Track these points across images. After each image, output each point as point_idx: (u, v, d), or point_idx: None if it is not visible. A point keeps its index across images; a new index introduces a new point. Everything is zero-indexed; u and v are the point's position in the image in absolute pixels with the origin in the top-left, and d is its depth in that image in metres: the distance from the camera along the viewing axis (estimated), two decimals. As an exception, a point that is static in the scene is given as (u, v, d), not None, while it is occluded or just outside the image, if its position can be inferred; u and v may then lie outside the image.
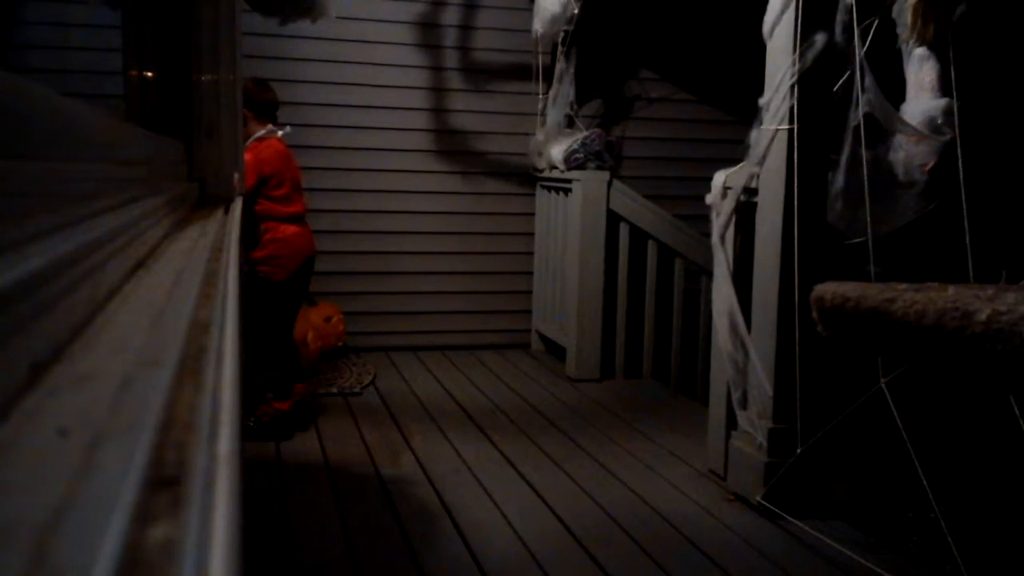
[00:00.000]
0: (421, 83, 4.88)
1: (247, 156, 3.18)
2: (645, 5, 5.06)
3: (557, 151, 4.48)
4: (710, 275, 3.17)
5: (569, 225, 4.45)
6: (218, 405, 0.46)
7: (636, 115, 5.27)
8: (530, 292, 5.12)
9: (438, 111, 4.94)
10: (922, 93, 2.57)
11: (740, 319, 2.82)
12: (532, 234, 5.07)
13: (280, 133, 3.37)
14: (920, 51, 2.54)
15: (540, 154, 4.72)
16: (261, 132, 3.31)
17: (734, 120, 4.84)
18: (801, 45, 2.62)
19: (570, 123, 4.73)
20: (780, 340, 2.68)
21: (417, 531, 2.53)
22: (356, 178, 4.82)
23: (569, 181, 4.43)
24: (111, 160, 0.92)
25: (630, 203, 4.41)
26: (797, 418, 2.65)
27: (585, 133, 4.47)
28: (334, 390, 4.03)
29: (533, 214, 5.06)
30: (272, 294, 3.30)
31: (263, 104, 3.32)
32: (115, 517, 0.29)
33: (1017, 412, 2.07)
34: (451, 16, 4.88)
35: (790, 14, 2.65)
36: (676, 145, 5.30)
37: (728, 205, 2.91)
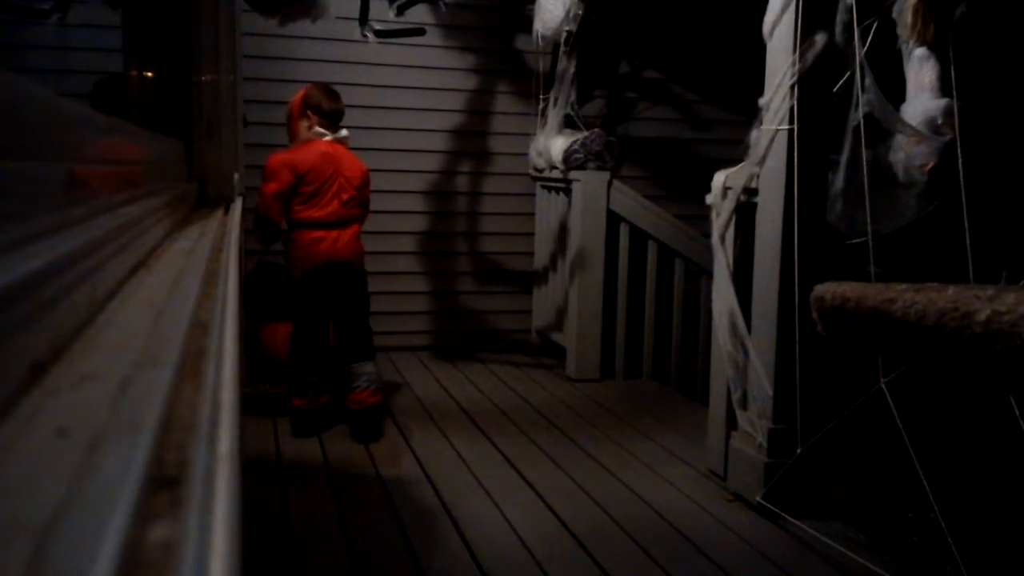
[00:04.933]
0: (421, 83, 4.88)
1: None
2: (646, 6, 5.06)
3: (557, 151, 4.48)
4: (710, 275, 3.16)
5: (569, 225, 4.45)
6: (218, 405, 0.46)
7: (637, 115, 5.27)
8: (530, 292, 5.12)
9: (439, 111, 4.94)
10: (922, 93, 2.57)
11: (740, 319, 2.82)
12: (532, 234, 5.07)
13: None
14: (920, 51, 2.54)
15: (540, 154, 4.72)
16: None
17: (735, 120, 4.84)
18: (801, 45, 2.62)
19: (570, 123, 4.72)
20: (780, 340, 2.68)
21: (417, 531, 2.53)
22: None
23: (569, 181, 4.42)
24: (111, 160, 0.92)
25: (630, 203, 4.41)
26: (797, 418, 2.65)
27: (585, 133, 4.47)
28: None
29: (533, 214, 5.06)
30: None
31: None
32: (115, 517, 0.29)
33: (1017, 412, 2.07)
34: (451, 16, 4.88)
35: (790, 14, 2.65)
36: (676, 145, 5.30)
37: (728, 205, 2.91)
